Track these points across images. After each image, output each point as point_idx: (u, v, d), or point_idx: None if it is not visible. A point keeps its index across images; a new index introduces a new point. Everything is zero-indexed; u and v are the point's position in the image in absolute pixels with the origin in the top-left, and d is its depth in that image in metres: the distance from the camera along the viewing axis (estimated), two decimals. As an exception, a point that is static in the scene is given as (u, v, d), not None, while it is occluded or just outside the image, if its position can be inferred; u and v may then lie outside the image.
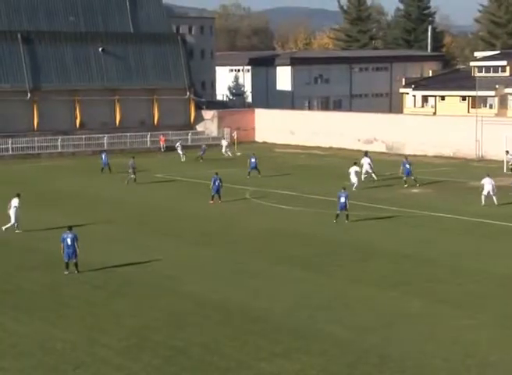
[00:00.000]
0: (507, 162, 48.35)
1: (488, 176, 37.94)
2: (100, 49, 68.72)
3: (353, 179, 41.87)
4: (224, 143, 61.03)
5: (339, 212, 33.90)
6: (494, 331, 19.85)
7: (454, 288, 23.67)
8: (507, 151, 48.41)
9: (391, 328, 20.25)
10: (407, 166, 43.85)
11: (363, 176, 44.19)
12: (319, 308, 21.96)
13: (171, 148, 62.39)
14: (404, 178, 43.59)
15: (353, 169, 42.32)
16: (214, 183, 39.25)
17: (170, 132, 67.66)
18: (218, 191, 39.18)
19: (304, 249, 29.32)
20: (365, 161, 44.91)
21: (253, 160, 48.18)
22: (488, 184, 37.25)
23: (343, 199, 33.63)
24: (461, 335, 19.59)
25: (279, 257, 28.16)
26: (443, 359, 17.99)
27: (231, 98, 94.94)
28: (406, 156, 48.28)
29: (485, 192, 37.26)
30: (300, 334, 19.85)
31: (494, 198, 37.06)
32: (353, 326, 20.45)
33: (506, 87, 71.65)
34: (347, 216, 33.85)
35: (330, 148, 64.65)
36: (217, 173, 40.02)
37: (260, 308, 22.06)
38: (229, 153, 59.26)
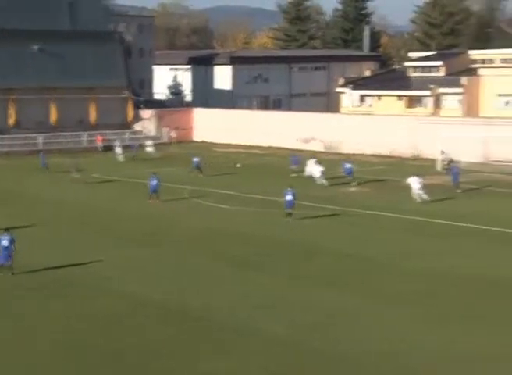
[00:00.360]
0: (442, 161, 49.41)
1: (415, 175, 38.75)
2: (36, 47, 67.60)
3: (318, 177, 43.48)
4: (149, 143, 60.70)
5: (287, 210, 34.23)
6: (428, 328, 20.25)
7: (392, 286, 24.07)
8: (443, 151, 49.42)
9: (330, 326, 20.51)
10: (347, 165, 44.73)
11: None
12: (259, 307, 22.11)
13: (109, 148, 61.85)
14: (349, 178, 44.44)
15: (317, 169, 43.46)
16: (151, 182, 39.21)
17: (108, 131, 67.03)
18: (155, 191, 39.11)
19: (243, 248, 29.46)
20: (311, 164, 45.86)
21: (195, 160, 48.51)
22: (415, 183, 38.12)
23: (289, 197, 33.94)
24: (397, 332, 19.93)
25: (219, 256, 28.23)
26: (382, 357, 18.32)
27: (170, 97, 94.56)
28: (347, 157, 48.79)
29: (414, 191, 38.11)
30: (240, 333, 19.95)
31: (423, 195, 37.88)
32: (293, 324, 20.65)
33: (441, 87, 73.13)
34: (290, 214, 34.19)
35: (269, 148, 65.01)
36: (155, 173, 39.93)
37: (200, 308, 22.08)
38: (153, 151, 59.03)
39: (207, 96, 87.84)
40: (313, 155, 48.43)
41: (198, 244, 30.41)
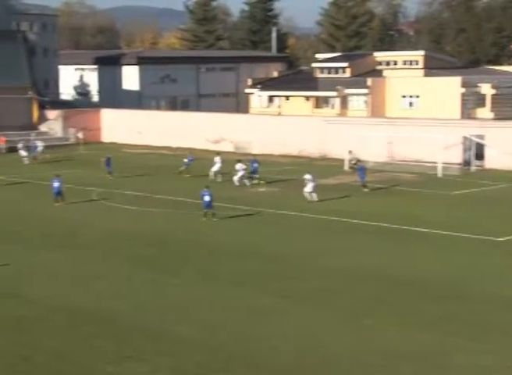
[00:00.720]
0: (349, 160, 50.27)
1: (309, 173, 39.48)
2: None
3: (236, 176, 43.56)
4: (39, 143, 59.00)
5: (205, 210, 34.26)
6: (339, 325, 20.57)
7: (302, 284, 24.31)
8: (350, 151, 50.27)
9: (240, 325, 20.55)
10: (255, 165, 45.08)
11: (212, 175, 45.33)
12: (168, 308, 21.94)
13: (13, 150, 60.16)
14: (255, 176, 44.64)
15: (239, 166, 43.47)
16: (54, 184, 38.38)
17: (11, 132, 65.15)
18: (59, 193, 38.29)
19: (151, 250, 29.18)
20: (218, 161, 46.01)
21: (107, 160, 47.74)
22: (310, 182, 38.76)
23: (207, 198, 34.05)
24: (309, 329, 20.16)
25: (127, 258, 27.88)
26: (291, 354, 18.46)
27: (77, 97, 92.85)
28: (254, 155, 49.04)
29: (307, 189, 38.68)
30: (149, 335, 19.74)
31: (314, 195, 38.52)
32: (203, 324, 20.59)
33: (347, 88, 74.53)
34: (213, 214, 34.30)
35: (178, 148, 64.69)
36: (58, 175, 39.11)
37: (107, 311, 21.75)
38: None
39: (114, 96, 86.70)
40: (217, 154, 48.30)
41: (105, 246, 29.96)
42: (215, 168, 46.04)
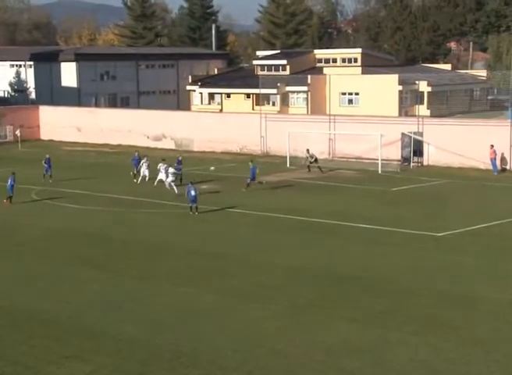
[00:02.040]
0: (306, 158, 49.66)
1: (163, 160, 40.81)
2: None
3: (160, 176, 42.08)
4: None
5: (190, 205, 34.53)
6: (281, 321, 20.72)
7: (244, 281, 24.39)
8: (308, 150, 49.71)
9: (183, 323, 20.50)
10: (176, 165, 43.81)
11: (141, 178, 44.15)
12: (111, 308, 21.76)
13: None
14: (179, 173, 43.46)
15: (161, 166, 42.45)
16: (9, 183, 37.65)
17: None
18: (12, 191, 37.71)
19: (94, 249, 28.89)
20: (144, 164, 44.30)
21: (46, 160, 46.03)
22: (162, 173, 39.63)
23: (193, 192, 34.42)
24: (251, 326, 20.25)
25: (69, 258, 27.54)
26: (233, 351, 18.48)
27: (13, 94, 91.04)
28: (180, 155, 47.44)
29: (167, 179, 39.68)
30: (91, 335, 19.55)
31: (171, 186, 39.49)
32: (146, 323, 20.48)
33: (287, 85, 74.89)
34: (196, 208, 34.48)
35: (119, 146, 64.09)
36: (14, 173, 38.43)
37: (49, 311, 21.46)
38: None
39: (52, 94, 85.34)
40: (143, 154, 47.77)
41: (46, 245, 29.57)
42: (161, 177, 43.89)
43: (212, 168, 46.32)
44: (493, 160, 47.37)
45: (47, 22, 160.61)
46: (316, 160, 48.69)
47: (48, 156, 46.19)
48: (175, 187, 40.06)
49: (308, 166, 48.63)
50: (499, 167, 47.66)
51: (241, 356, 18.19)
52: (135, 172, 45.15)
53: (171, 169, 40.98)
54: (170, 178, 40.65)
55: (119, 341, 19.13)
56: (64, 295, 23.00)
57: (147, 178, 43.85)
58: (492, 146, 47.30)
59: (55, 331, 19.89)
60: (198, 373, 17.31)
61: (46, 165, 45.78)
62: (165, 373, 17.30)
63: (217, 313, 21.34)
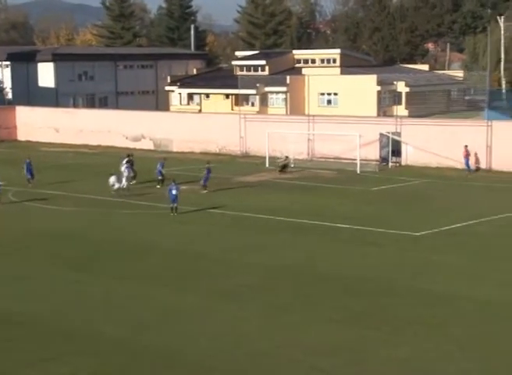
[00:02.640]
0: (280, 160, 49.49)
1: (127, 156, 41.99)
2: None
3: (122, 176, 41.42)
4: None
5: (171, 205, 34.61)
6: (263, 321, 20.79)
7: (224, 281, 24.42)
8: (287, 156, 49.66)
9: (164, 324, 20.50)
10: (159, 166, 43.10)
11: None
12: (91, 309, 21.70)
13: None
14: (160, 178, 42.72)
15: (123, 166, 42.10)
16: None
17: None
18: None
19: (73, 250, 28.77)
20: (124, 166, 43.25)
21: (27, 163, 44.01)
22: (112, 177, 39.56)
23: (174, 192, 34.55)
24: (232, 326, 20.30)
25: (49, 259, 27.43)
26: (215, 351, 18.49)
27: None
28: (164, 157, 46.74)
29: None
30: (71, 337, 19.49)
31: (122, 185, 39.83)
32: (128, 324, 20.46)
33: (266, 85, 74.98)
34: (176, 208, 34.54)
35: (98, 146, 63.84)
36: None
37: (27, 313, 21.36)
38: None
39: (29, 94, 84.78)
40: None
41: (26, 247, 29.40)
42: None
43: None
44: (466, 159, 47.92)
45: (24, 21, 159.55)
46: (286, 165, 48.53)
47: (28, 160, 44.05)
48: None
49: (283, 168, 48.46)
50: (472, 166, 48.19)
51: (222, 357, 18.23)
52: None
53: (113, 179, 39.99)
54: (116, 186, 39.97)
55: (100, 343, 19.09)
56: (44, 296, 22.91)
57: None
58: (466, 146, 47.86)
59: (33, 333, 19.80)
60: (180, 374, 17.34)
61: (27, 172, 43.58)
62: None
63: (198, 314, 21.36)
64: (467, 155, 48.02)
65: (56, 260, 27.28)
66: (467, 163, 48.01)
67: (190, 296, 22.93)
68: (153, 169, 44.09)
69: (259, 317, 21.04)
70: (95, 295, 23.07)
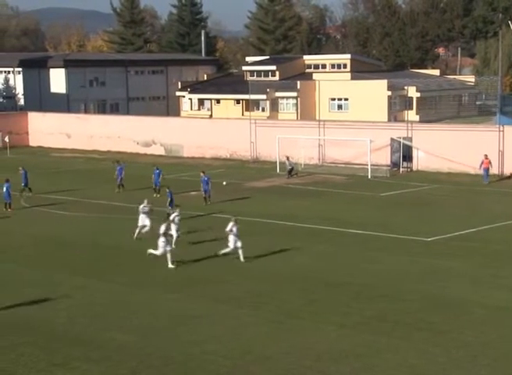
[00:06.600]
0: (287, 166, 49.44)
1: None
2: None
3: None
4: None
5: (168, 209, 34.32)
6: (271, 327, 20.67)
7: (233, 287, 24.32)
8: (288, 157, 49.63)
9: (173, 330, 20.45)
10: (155, 173, 42.26)
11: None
12: (99, 315, 21.67)
13: None
14: (154, 187, 41.74)
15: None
16: (5, 189, 37.37)
17: None
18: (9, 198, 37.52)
19: (82, 255, 28.79)
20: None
21: (21, 172, 42.09)
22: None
23: (169, 197, 35.74)
24: (241, 332, 20.21)
25: (57, 265, 27.44)
26: (224, 357, 18.43)
27: (1, 100, 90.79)
28: (156, 166, 45.70)
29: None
30: (80, 342, 19.46)
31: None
32: (135, 330, 20.41)
33: (277, 91, 75.01)
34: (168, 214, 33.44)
35: (108, 152, 63.96)
36: (8, 180, 38.17)
37: (36, 319, 21.35)
38: None
39: (41, 100, 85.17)
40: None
41: (35, 252, 29.46)
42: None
43: (224, 183, 43.18)
44: (486, 170, 45.22)
45: (35, 28, 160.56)
46: (292, 170, 48.51)
47: (21, 170, 41.92)
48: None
49: (289, 172, 48.44)
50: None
51: (231, 363, 18.15)
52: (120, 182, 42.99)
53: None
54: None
55: (108, 349, 19.05)
56: (52, 302, 22.89)
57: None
58: (487, 156, 45.40)
59: (43, 339, 19.78)
60: (188, 380, 17.28)
61: (23, 181, 41.48)
62: (154, 380, 17.27)
63: (206, 320, 21.29)
64: (487, 166, 45.13)
65: (65, 266, 27.26)
66: (486, 173, 45.11)
67: (199, 302, 22.87)
68: (164, 175, 43.64)
69: (268, 323, 20.94)
70: (103, 301, 23.03)
